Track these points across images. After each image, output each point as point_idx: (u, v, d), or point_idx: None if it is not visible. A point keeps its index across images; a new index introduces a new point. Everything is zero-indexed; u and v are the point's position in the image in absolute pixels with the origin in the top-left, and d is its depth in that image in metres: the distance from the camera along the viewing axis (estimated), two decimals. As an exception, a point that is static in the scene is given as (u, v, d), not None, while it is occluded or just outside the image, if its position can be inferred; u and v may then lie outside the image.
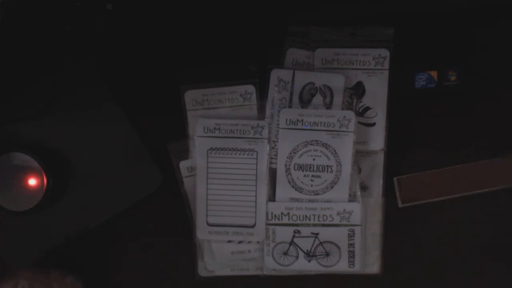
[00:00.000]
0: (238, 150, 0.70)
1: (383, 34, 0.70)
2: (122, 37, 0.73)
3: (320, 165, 0.70)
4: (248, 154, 0.70)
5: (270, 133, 0.70)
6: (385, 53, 0.70)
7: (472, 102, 0.72)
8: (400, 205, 0.72)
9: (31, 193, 0.69)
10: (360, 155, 0.71)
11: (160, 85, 0.73)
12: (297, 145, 0.70)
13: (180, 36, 0.73)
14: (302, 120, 0.70)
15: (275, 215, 0.70)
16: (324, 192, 0.70)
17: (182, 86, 0.71)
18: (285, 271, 0.72)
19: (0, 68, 0.71)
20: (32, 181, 0.69)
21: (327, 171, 0.70)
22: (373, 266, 0.71)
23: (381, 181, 0.71)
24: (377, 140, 0.71)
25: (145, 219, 0.74)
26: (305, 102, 0.71)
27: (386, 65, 0.71)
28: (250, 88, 0.71)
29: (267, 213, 0.70)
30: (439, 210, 0.72)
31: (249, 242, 0.71)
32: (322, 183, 0.70)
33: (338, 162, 0.70)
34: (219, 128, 0.70)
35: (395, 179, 0.72)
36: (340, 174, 0.70)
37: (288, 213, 0.70)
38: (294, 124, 0.70)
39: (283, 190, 0.71)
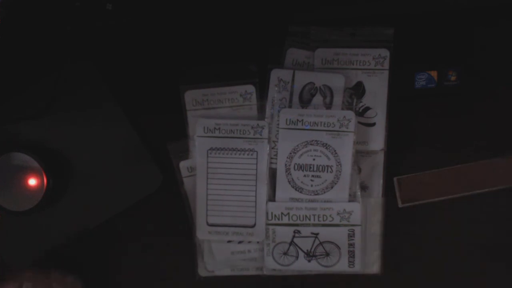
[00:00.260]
0: (238, 150, 0.70)
1: (383, 34, 0.70)
2: (122, 37, 0.73)
3: (320, 165, 0.70)
4: (248, 154, 0.70)
5: (270, 133, 0.70)
6: (385, 53, 0.70)
7: (472, 102, 0.72)
8: (400, 205, 0.72)
9: (31, 193, 0.69)
10: (360, 155, 0.71)
11: (160, 85, 0.73)
12: (297, 145, 0.70)
13: (180, 36, 0.73)
14: (302, 120, 0.70)
15: (275, 215, 0.70)
16: (324, 192, 0.70)
17: (182, 86, 0.71)
18: (285, 271, 0.72)
19: (0, 68, 0.71)
20: (32, 181, 0.69)
21: (327, 171, 0.70)
22: (373, 266, 0.71)
23: (381, 181, 0.71)
24: (377, 140, 0.71)
25: (145, 219, 0.74)
26: (305, 102, 0.71)
27: (386, 65, 0.71)
28: (250, 88, 0.71)
29: (267, 213, 0.70)
30: (439, 210, 0.72)
31: (249, 242, 0.71)
32: (322, 183, 0.70)
33: (338, 162, 0.70)
34: (219, 128, 0.70)
35: (395, 179, 0.72)
36: (340, 174, 0.70)
37: (288, 213, 0.70)
38: (294, 124, 0.70)
39: (283, 190, 0.71)
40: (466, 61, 0.71)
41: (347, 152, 0.70)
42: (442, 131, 0.72)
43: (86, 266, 0.74)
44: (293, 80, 0.71)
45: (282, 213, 0.70)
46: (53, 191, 0.70)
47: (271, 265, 0.71)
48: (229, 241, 0.71)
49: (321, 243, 0.71)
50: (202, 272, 0.72)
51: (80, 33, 0.71)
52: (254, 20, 0.71)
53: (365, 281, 0.72)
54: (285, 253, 0.71)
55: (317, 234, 0.70)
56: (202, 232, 0.71)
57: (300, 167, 0.70)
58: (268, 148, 0.70)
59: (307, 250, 0.71)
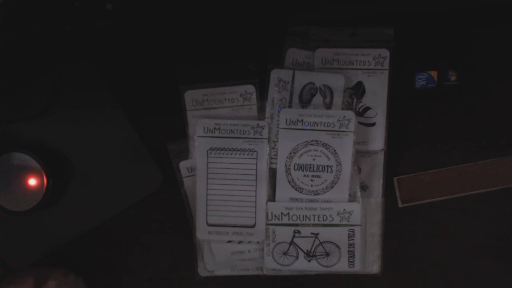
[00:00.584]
0: (238, 150, 0.70)
1: (383, 34, 0.70)
2: (122, 37, 0.73)
3: (320, 165, 0.70)
4: (248, 154, 0.70)
5: (270, 133, 0.70)
6: (385, 53, 0.70)
7: (472, 102, 0.72)
8: (400, 205, 0.72)
9: (31, 193, 0.69)
10: (360, 155, 0.71)
11: (160, 85, 0.73)
12: (297, 145, 0.70)
13: (180, 36, 0.73)
14: (302, 120, 0.70)
15: (275, 215, 0.70)
16: (324, 192, 0.70)
17: (182, 86, 0.71)
18: (285, 271, 0.72)
19: (0, 68, 0.71)
20: (32, 181, 0.69)
21: (327, 171, 0.70)
22: (373, 266, 0.71)
23: (381, 181, 0.71)
24: (377, 140, 0.71)
25: (145, 219, 0.74)
26: (305, 102, 0.70)
27: (386, 65, 0.71)
28: (250, 88, 0.71)
29: (267, 213, 0.70)
30: (439, 210, 0.72)
31: (249, 242, 0.71)
32: (322, 183, 0.70)
33: (338, 162, 0.70)
34: (219, 128, 0.70)
35: (395, 179, 0.72)
36: (340, 174, 0.70)
37: (288, 213, 0.70)
38: (294, 124, 0.70)
39: (283, 190, 0.71)
40: (466, 61, 0.71)
41: (347, 152, 0.70)
42: (442, 131, 0.72)
43: (86, 266, 0.74)
44: (293, 80, 0.71)
45: (282, 213, 0.70)
46: (53, 191, 0.70)
47: (271, 265, 0.71)
48: (229, 241, 0.71)
49: (321, 243, 0.71)
50: (202, 272, 0.72)
51: (80, 33, 0.71)
52: (254, 20, 0.71)
53: (365, 281, 0.72)
54: (285, 253, 0.71)
55: (317, 234, 0.70)
56: (202, 232, 0.71)
57: (300, 167, 0.70)
58: (268, 148, 0.70)
59: (307, 250, 0.71)
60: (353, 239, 0.70)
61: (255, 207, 0.70)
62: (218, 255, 0.72)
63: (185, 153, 0.72)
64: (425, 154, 0.72)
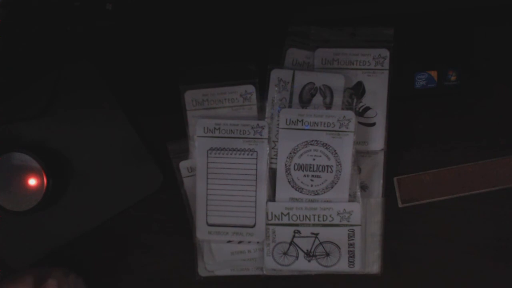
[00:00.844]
0: (238, 150, 0.70)
1: (383, 34, 0.70)
2: (122, 37, 0.73)
3: (320, 165, 0.70)
4: (248, 154, 0.70)
5: (270, 133, 0.70)
6: (385, 53, 0.70)
7: (472, 102, 0.72)
8: (400, 205, 0.72)
9: (31, 193, 0.69)
10: (360, 155, 0.71)
11: (160, 85, 0.73)
12: (297, 145, 0.70)
13: (180, 36, 0.73)
14: (302, 120, 0.70)
15: (275, 215, 0.70)
16: (324, 192, 0.70)
17: (182, 86, 0.71)
18: (285, 271, 0.72)
19: (0, 68, 0.71)
20: (32, 181, 0.69)
21: (327, 171, 0.70)
22: (373, 266, 0.71)
23: (381, 181, 0.71)
24: (377, 140, 0.71)
25: (145, 219, 0.74)
26: (305, 102, 0.70)
27: (386, 65, 0.71)
28: (250, 88, 0.71)
29: (267, 213, 0.70)
30: (439, 210, 0.72)
31: (249, 242, 0.71)
32: (322, 183, 0.70)
33: (338, 162, 0.70)
34: (219, 128, 0.70)
35: (395, 179, 0.72)
36: (340, 174, 0.70)
37: (288, 213, 0.70)
38: (294, 124, 0.70)
39: (283, 190, 0.71)
40: (466, 61, 0.71)
41: (347, 152, 0.70)
42: (442, 131, 0.72)
43: (86, 266, 0.74)
44: (293, 80, 0.70)
45: (282, 213, 0.70)
46: (53, 191, 0.70)
47: (271, 265, 0.71)
48: (229, 241, 0.71)
49: (321, 243, 0.71)
50: (202, 272, 0.72)
51: (80, 33, 0.71)
52: (254, 20, 0.71)
53: (365, 281, 0.72)
54: (285, 253, 0.71)
55: (317, 234, 0.70)
56: (202, 232, 0.71)
57: (300, 167, 0.70)
58: (268, 148, 0.70)
59: (307, 250, 0.71)
60: (353, 239, 0.70)
61: (255, 207, 0.70)
62: (218, 255, 0.72)
63: (185, 153, 0.72)
64: (425, 154, 0.72)
